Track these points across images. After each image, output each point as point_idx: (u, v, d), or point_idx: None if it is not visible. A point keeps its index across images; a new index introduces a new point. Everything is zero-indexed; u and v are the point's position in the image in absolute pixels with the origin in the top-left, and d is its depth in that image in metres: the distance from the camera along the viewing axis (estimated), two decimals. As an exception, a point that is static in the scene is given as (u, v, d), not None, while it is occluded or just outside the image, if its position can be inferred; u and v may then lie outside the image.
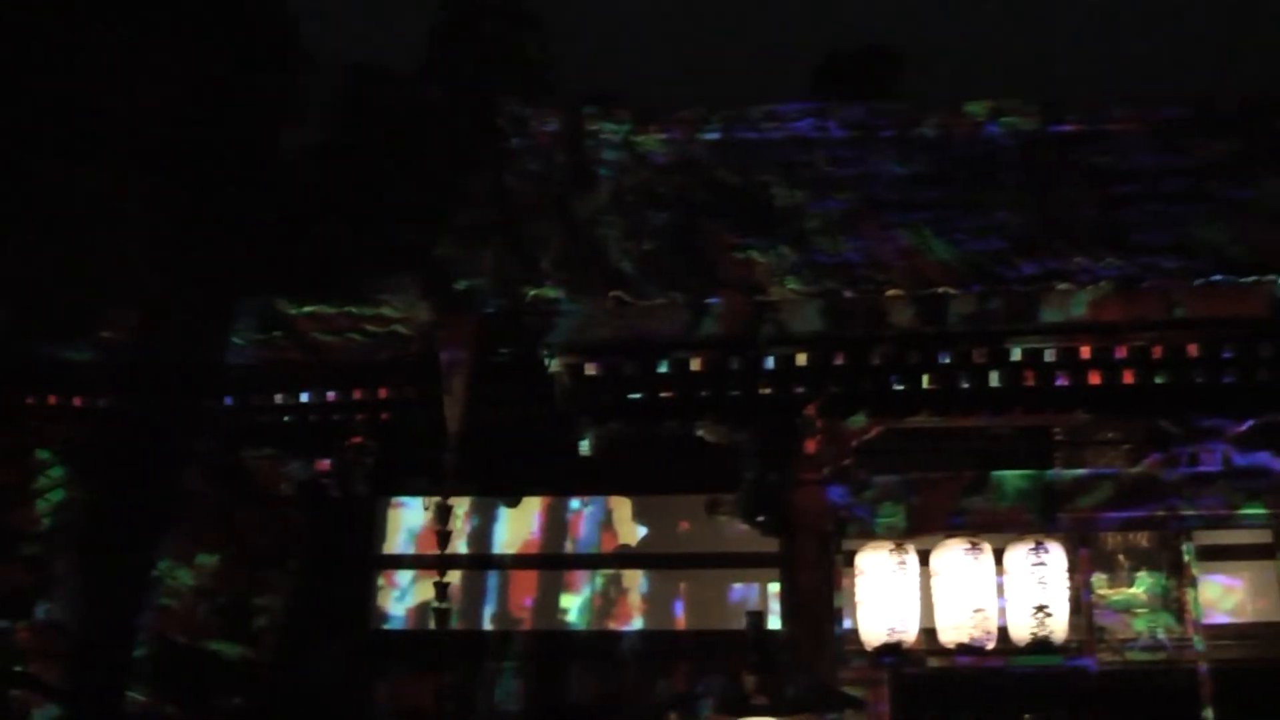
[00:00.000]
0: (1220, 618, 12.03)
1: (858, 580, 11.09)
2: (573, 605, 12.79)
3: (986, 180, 14.52)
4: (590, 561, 12.82)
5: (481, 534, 12.90)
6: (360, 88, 23.26)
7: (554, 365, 10.24)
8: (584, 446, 11.22)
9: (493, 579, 12.94)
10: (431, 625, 12.31)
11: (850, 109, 16.07)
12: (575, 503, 12.87)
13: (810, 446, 10.77)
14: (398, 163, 21.21)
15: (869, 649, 11.06)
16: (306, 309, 12.66)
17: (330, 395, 12.04)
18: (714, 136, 15.75)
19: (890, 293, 10.19)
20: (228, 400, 12.28)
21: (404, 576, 12.97)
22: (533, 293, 10.15)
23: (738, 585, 12.64)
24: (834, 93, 19.85)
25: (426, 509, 12.62)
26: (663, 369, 10.16)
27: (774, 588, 12.24)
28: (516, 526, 12.92)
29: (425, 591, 12.40)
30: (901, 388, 10.38)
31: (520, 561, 12.88)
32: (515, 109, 16.02)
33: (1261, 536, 11.51)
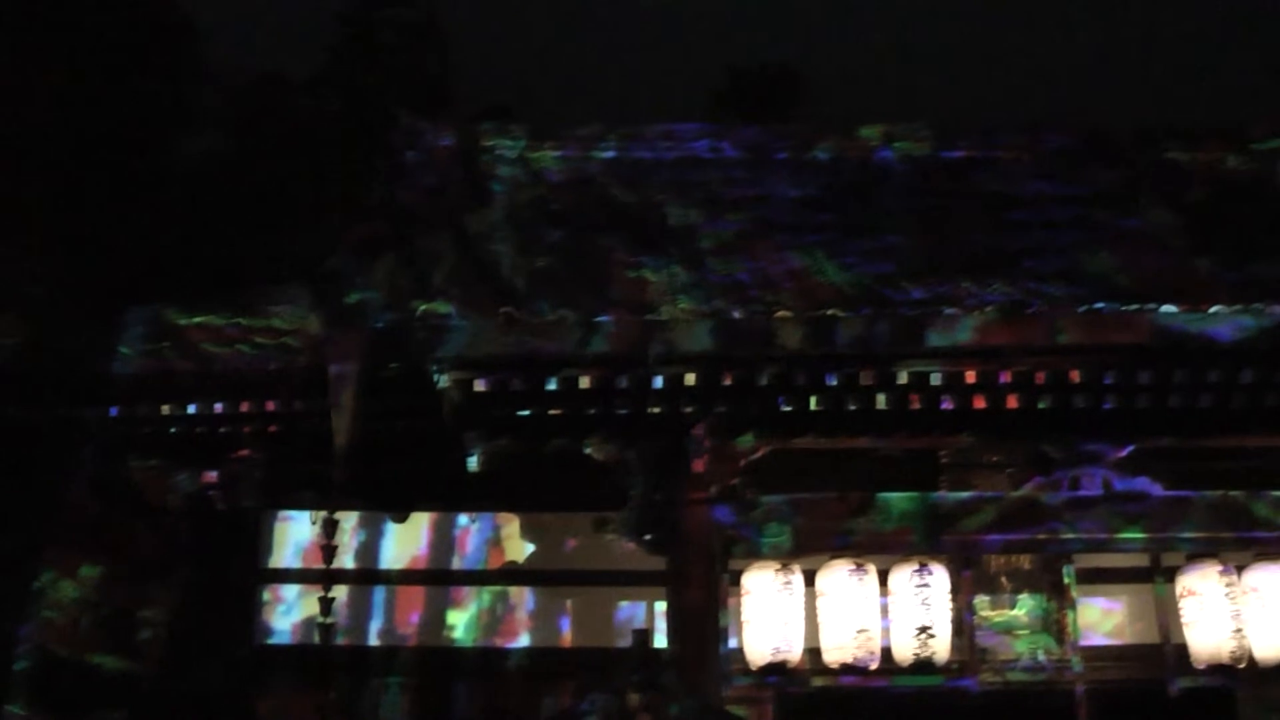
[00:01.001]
0: (1099, 640, 12.19)
1: (743, 599, 11.16)
2: (459, 621, 12.71)
3: (878, 204, 14.66)
4: (477, 578, 12.75)
5: (368, 549, 12.79)
6: (259, 98, 23.11)
7: (443, 381, 10.22)
8: (472, 463, 11.18)
9: (379, 594, 12.83)
10: (316, 640, 12.25)
11: (745, 130, 16.16)
12: (463, 519, 12.79)
13: (698, 466, 10.81)
14: (294, 173, 21.08)
15: (754, 668, 11.13)
16: (196, 319, 12.51)
17: (217, 407, 11.89)
18: (609, 155, 15.78)
19: (780, 314, 10.25)
20: (113, 410, 12.10)
21: (290, 591, 12.83)
22: (423, 308, 10.10)
23: (625, 603, 12.61)
24: (733, 112, 19.97)
25: (313, 523, 12.51)
26: (552, 386, 10.17)
27: (660, 606, 12.22)
28: (404, 542, 12.82)
29: (311, 606, 12.28)
30: (789, 409, 10.45)
31: (407, 577, 12.78)
32: (411, 122, 15.98)
33: (1140, 560, 11.70)
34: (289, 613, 12.73)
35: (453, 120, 16.30)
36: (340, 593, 12.44)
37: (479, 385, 10.20)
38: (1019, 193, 15.16)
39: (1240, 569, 11.38)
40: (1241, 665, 11.29)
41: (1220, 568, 11.33)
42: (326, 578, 12.32)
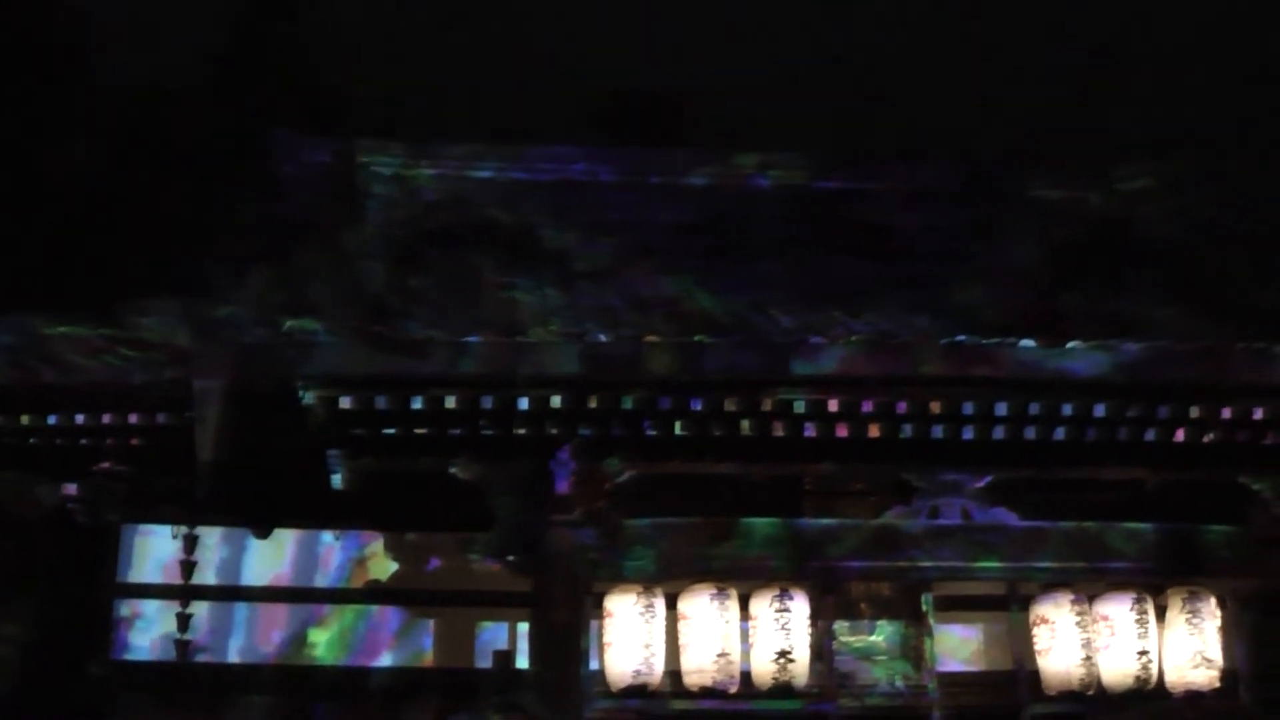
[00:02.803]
0: (956, 666, 12.38)
1: (606, 622, 11.18)
2: (322, 640, 12.66)
3: (752, 232, 14.83)
4: (340, 596, 12.69)
5: (230, 565, 12.68)
6: (138, 109, 22.85)
7: (309, 398, 10.17)
8: (336, 480, 11.16)
9: (241, 612, 12.73)
10: (175, 657, 12.13)
11: (622, 154, 16.30)
12: (327, 536, 12.73)
13: (564, 488, 10.83)
14: (170, 185, 20.88)
15: (615, 690, 11.15)
16: (62, 329, 12.33)
17: (79, 418, 11.74)
18: (486, 174, 15.85)
19: (648, 339, 10.31)
20: (-28, 419, 11.91)
21: (149, 607, 12.67)
22: (291, 324, 10.05)
23: (488, 624, 12.63)
24: (612, 136, 20.05)
25: (175, 538, 12.37)
26: (418, 406, 10.16)
27: (524, 627, 12.26)
28: (266, 559, 12.73)
29: (170, 623, 12.17)
30: (655, 433, 10.52)
31: (269, 594, 12.69)
32: (288, 137, 15.91)
33: (996, 589, 11.86)
34: (148, 629, 12.59)
35: (331, 136, 16.27)
36: (200, 609, 12.33)
37: (344, 403, 10.17)
38: (891, 224, 15.39)
39: (1092, 598, 11.61)
40: (1091, 692, 11.52)
41: (1073, 597, 11.55)
42: (186, 593, 12.21)
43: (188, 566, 12.23)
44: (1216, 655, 11.63)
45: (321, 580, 12.72)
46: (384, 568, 12.78)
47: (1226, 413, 10.71)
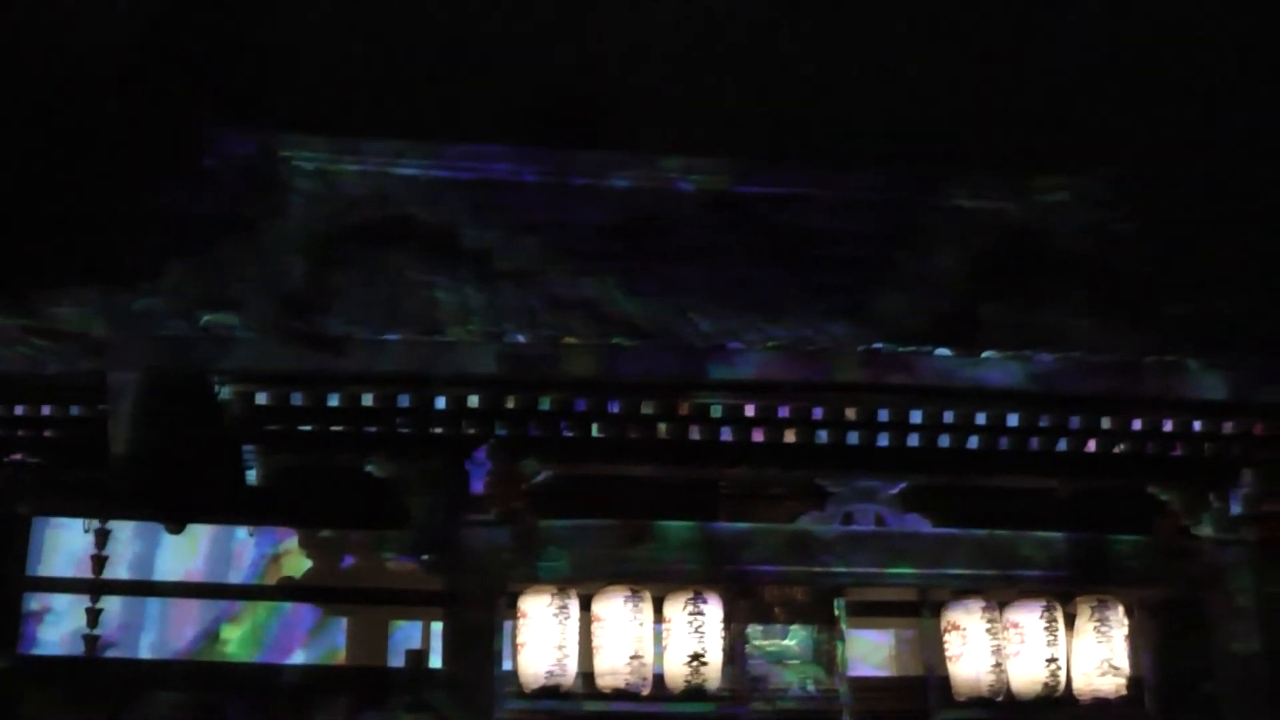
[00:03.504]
0: (867, 671, 12.45)
1: (520, 622, 11.18)
2: (234, 636, 12.55)
3: (674, 235, 14.88)
4: (253, 592, 12.59)
5: (143, 560, 12.53)
6: (56, 95, 22.58)
7: (225, 393, 10.09)
8: (252, 476, 11.08)
9: (153, 607, 12.60)
10: (84, 652, 12.02)
11: (545, 155, 16.30)
12: (241, 532, 12.62)
13: (480, 488, 10.81)
14: (89, 174, 20.66)
15: (528, 691, 11.15)
16: (-28, 318, 12.20)
17: (-9, 409, 11.61)
18: (409, 172, 15.80)
19: (567, 340, 10.32)
20: (-122, 410, 11.74)
21: (60, 601, 12.52)
22: (209, 318, 9.98)
23: (402, 623, 12.57)
24: (537, 136, 20.03)
25: (87, 531, 12.26)
26: (334, 403, 10.11)
27: (438, 626, 12.23)
28: (179, 554, 12.60)
29: (80, 617, 12.05)
30: (571, 435, 10.52)
31: (181, 590, 12.57)
32: (211, 129, 15.81)
33: (908, 595, 11.97)
34: (57, 623, 12.43)
35: (254, 128, 16.17)
36: (111, 604, 12.21)
37: (261, 399, 10.10)
38: (812, 230, 15.51)
39: (1003, 605, 11.74)
40: (1000, 698, 11.65)
41: (984, 604, 11.68)
42: (96, 588, 12.11)
43: (99, 560, 12.12)
44: (1123, 663, 11.80)
45: (235, 576, 12.61)
46: (298, 564, 12.70)
47: (1137, 424, 10.85)
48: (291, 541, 12.66)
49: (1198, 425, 10.91)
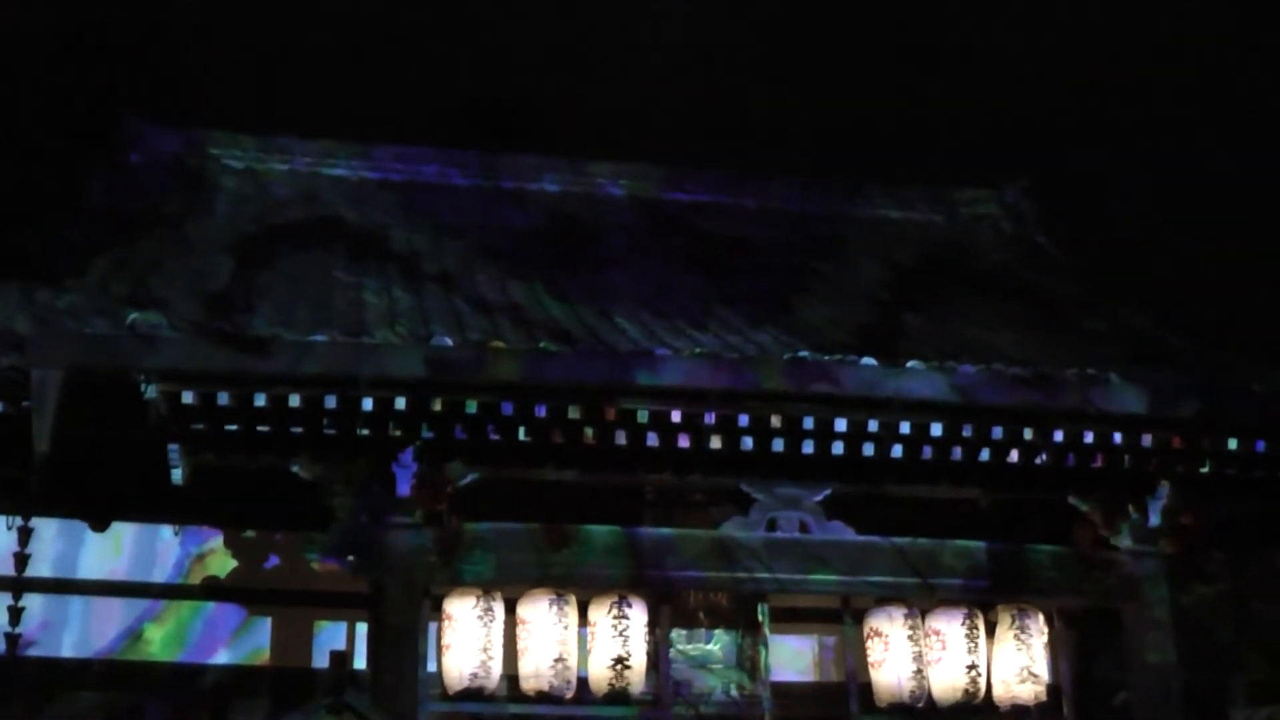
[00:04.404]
0: (789, 676, 12.53)
1: (444, 625, 11.18)
2: (157, 636, 12.46)
3: (602, 241, 14.97)
4: (177, 592, 12.50)
5: (65, 559, 12.44)
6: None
7: (150, 391, 10.01)
8: (176, 475, 11.01)
9: (75, 606, 12.49)
10: (4, 651, 11.91)
11: (475, 158, 16.33)
12: (166, 532, 12.55)
13: (405, 490, 10.78)
14: (11, 169, 20.47)
15: (451, 694, 11.15)
16: (-108, 313, 12.06)
17: (-90, 406, 11.48)
18: (338, 173, 15.80)
19: (493, 344, 10.33)
20: None
21: (-20, 599, 12.42)
22: (135, 315, 9.90)
23: (326, 624, 12.53)
24: (467, 139, 20.02)
25: (9, 529, 12.14)
26: (260, 403, 10.04)
27: (362, 628, 12.23)
28: (103, 553, 12.50)
29: (2, 615, 11.93)
30: (497, 438, 10.52)
31: (104, 589, 12.48)
32: (136, 124, 15.72)
33: (831, 601, 12.04)
34: (-22, 622, 12.33)
35: (181, 126, 16.09)
36: (33, 602, 12.10)
37: (186, 398, 10.02)
38: (741, 238, 15.64)
39: (924, 613, 11.85)
40: (920, 705, 11.75)
41: (906, 611, 11.78)
42: (18, 586, 12.00)
43: (21, 559, 12.01)
44: (1042, 671, 11.93)
45: (158, 575, 12.51)
46: (222, 565, 12.62)
47: (1058, 436, 10.96)
48: (216, 541, 12.59)
49: (1117, 438, 11.04)
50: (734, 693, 11.87)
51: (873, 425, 10.73)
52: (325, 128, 16.60)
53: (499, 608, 11.21)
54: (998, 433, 10.88)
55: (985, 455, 11.09)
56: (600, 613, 11.39)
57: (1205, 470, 11.40)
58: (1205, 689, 12.19)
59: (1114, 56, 30.45)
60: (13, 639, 11.95)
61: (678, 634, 11.84)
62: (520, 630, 11.27)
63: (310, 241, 13.55)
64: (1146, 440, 11.08)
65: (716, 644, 11.97)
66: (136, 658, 12.35)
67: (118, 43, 23.55)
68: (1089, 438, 11.02)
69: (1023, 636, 11.91)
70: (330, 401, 10.09)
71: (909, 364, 10.67)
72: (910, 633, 11.77)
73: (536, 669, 11.21)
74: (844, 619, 12.04)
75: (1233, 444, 11.13)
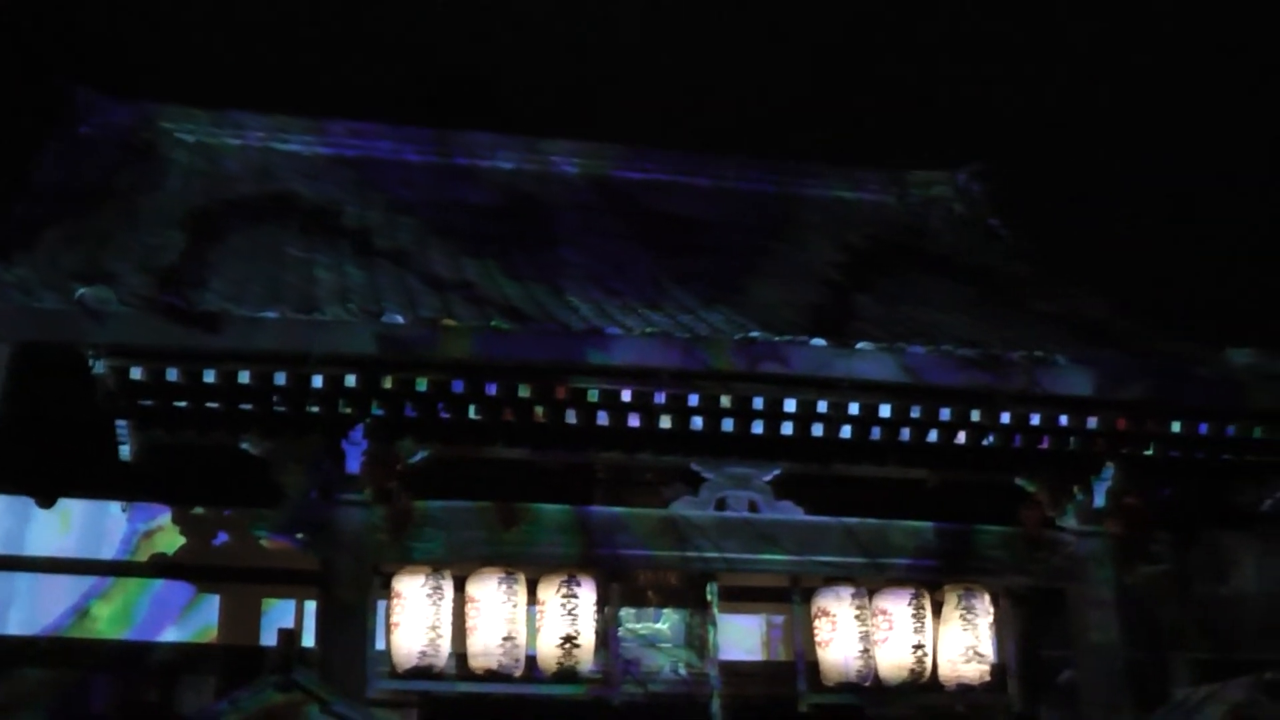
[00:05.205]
0: (738, 655, 12.57)
1: (393, 603, 11.18)
2: (104, 614, 12.40)
3: (556, 219, 14.94)
4: (125, 569, 12.45)
5: (12, 535, 12.35)
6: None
7: (99, 367, 9.95)
8: (125, 452, 10.99)
9: (22, 582, 12.42)
10: (-50, 627, 11.87)
11: (429, 134, 16.27)
12: (114, 508, 12.48)
13: (355, 467, 10.78)
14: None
15: (400, 671, 11.16)
16: None
17: None
18: (292, 148, 15.71)
19: (445, 322, 10.31)
20: None
21: (-72, 575, 12.34)
22: (83, 290, 9.84)
23: (275, 601, 12.49)
24: (423, 115, 19.95)
25: (-43, 505, 12.10)
26: (210, 379, 9.99)
27: (311, 605, 12.20)
28: (50, 529, 12.44)
29: (-52, 592, 11.91)
30: (448, 416, 10.50)
31: (51, 565, 12.41)
32: (87, 96, 15.58)
33: (779, 581, 12.10)
34: (-75, 598, 12.25)
35: (132, 98, 15.96)
36: (-21, 579, 12.07)
37: (135, 374, 9.96)
38: (694, 218, 15.64)
39: (872, 593, 11.94)
40: (867, 684, 11.85)
41: (853, 591, 11.87)
42: (-36, 562, 11.95)
43: (-32, 535, 11.97)
44: (988, 650, 12.05)
45: (106, 552, 12.44)
46: (171, 541, 12.56)
47: (1005, 417, 11.03)
48: (165, 518, 12.53)
49: (1064, 419, 11.11)
50: (682, 671, 11.90)
51: (822, 405, 10.77)
52: (279, 102, 16.46)
53: (448, 586, 11.21)
54: (946, 414, 10.94)
55: (933, 436, 11.16)
56: (549, 591, 11.41)
57: (1150, 452, 11.50)
58: (1148, 668, 12.32)
59: (1070, 42, 30.58)
60: (-41, 615, 11.91)
61: (627, 612, 11.86)
62: (469, 608, 11.28)
63: (262, 217, 13.48)
64: (1093, 422, 11.16)
65: (665, 623, 12.00)
66: (84, 635, 12.28)
67: (68, 14, 23.33)
68: (1036, 419, 11.09)
69: (969, 616, 12.01)
70: (281, 378, 10.04)
71: (859, 345, 10.71)
72: (858, 612, 11.86)
73: (485, 647, 11.22)
74: (792, 598, 12.12)
75: (1177, 426, 11.23)
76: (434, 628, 11.13)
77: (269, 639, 12.13)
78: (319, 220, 13.63)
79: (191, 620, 12.46)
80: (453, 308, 11.06)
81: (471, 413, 10.49)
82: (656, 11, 31.11)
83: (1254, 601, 13.75)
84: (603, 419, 10.68)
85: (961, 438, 11.21)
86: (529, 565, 11.33)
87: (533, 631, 11.44)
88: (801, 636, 12.02)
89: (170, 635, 12.40)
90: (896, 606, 11.89)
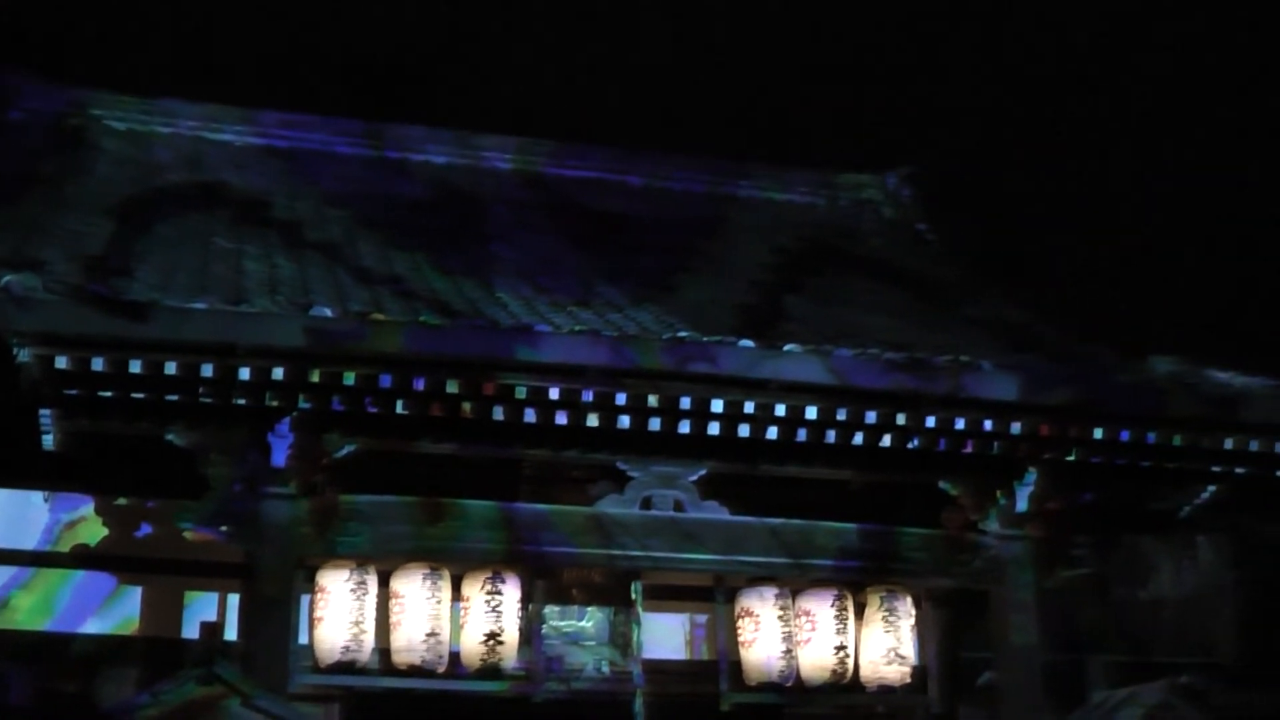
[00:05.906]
0: (662, 654, 12.60)
1: (317, 597, 11.14)
2: (25, 604, 12.29)
3: (488, 214, 14.94)
4: (47, 559, 12.33)
5: (-69, 524, 12.26)
6: None
7: (23, 355, 9.85)
8: (48, 441, 10.90)
9: (-60, 572, 12.30)
10: None
11: (361, 126, 16.22)
12: (36, 498, 12.37)
13: (281, 460, 10.73)
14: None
15: (323, 666, 11.13)
16: None
17: None
18: (224, 137, 15.63)
19: (374, 316, 10.29)
20: None
21: None
22: (8, 277, 9.73)
23: (198, 594, 12.42)
24: (356, 106, 19.87)
25: (-125, 493, 11.95)
26: (136, 369, 9.90)
27: (235, 598, 12.14)
28: (-30, 518, 12.34)
29: None
30: (376, 410, 10.47)
31: (-30, 555, 12.30)
32: (14, 80, 15.44)
33: (704, 580, 12.15)
34: None
35: (63, 84, 15.82)
36: (-106, 570, 11.93)
37: (60, 363, 9.85)
38: (625, 215, 15.68)
39: (795, 593, 12.01)
40: (790, 684, 11.92)
41: (777, 591, 11.94)
42: (-122, 553, 11.81)
43: (-116, 525, 11.82)
44: (909, 652, 12.15)
45: (27, 542, 12.30)
46: (94, 532, 12.46)
47: (930, 421, 11.10)
48: (88, 508, 12.42)
49: (988, 424, 11.20)
50: (606, 669, 11.90)
51: (749, 406, 10.81)
52: (211, 91, 16.37)
53: (373, 581, 11.20)
54: (871, 416, 11.00)
55: (859, 438, 11.20)
56: (474, 588, 11.41)
57: (1072, 458, 11.60)
58: (1067, 670, 12.47)
59: (1001, 46, 30.80)
60: (-127, 607, 11.77)
61: (551, 610, 11.85)
62: (393, 604, 11.27)
63: (192, 206, 13.41)
64: (1016, 427, 11.26)
65: (589, 621, 12.00)
66: (3, 626, 12.14)
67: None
68: (960, 423, 11.17)
69: (891, 618, 12.11)
70: (207, 370, 9.97)
71: (786, 347, 10.76)
72: (781, 613, 11.93)
73: (409, 643, 11.22)
74: (716, 598, 12.19)
75: (1099, 433, 11.34)
76: (358, 623, 11.10)
77: (191, 632, 12.07)
78: (249, 211, 13.57)
79: (113, 612, 12.36)
80: (382, 302, 11.06)
81: (399, 407, 10.46)
82: (589, 7, 31.11)
83: (1171, 606, 13.96)
84: (530, 416, 10.67)
85: (886, 440, 11.26)
86: (454, 561, 11.32)
87: (457, 628, 11.43)
88: (725, 636, 12.09)
89: (91, 627, 12.29)
90: (820, 607, 11.96)
